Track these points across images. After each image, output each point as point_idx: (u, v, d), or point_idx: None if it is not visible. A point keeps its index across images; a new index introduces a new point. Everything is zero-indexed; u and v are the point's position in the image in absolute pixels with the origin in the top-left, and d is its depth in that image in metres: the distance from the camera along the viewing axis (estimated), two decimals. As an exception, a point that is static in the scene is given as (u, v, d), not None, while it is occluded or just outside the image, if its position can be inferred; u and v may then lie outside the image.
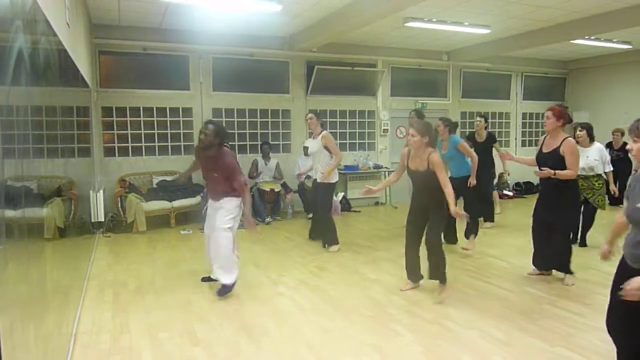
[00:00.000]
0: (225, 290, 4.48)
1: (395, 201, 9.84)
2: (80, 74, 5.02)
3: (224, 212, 4.52)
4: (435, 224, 4.36)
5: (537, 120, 12.24)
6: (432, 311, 4.03)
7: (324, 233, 6.25)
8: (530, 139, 12.18)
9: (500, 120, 11.72)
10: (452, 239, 6.21)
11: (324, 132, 6.03)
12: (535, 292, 4.49)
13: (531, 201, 10.16)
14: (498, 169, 7.80)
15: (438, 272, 4.33)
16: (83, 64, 5.58)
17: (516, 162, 5.27)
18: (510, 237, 6.79)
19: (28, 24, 2.28)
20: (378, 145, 10.25)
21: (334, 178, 6.12)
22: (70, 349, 3.33)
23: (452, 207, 4.09)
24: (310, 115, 6.12)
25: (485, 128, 7.42)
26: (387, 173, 9.88)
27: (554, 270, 4.88)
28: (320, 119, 6.19)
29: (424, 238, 4.43)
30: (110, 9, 6.86)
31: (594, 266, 5.08)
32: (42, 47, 2.70)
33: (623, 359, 2.61)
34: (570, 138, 4.48)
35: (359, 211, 9.22)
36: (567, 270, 4.68)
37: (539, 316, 3.89)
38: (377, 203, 10.06)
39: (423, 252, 4.45)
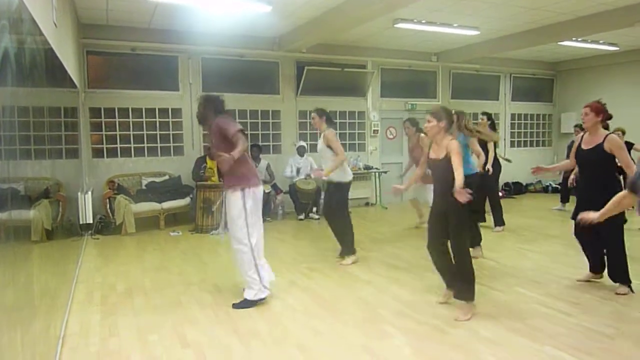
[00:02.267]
0: (241, 305, 4.16)
1: (385, 202, 9.87)
2: (67, 75, 4.97)
3: (234, 218, 4.14)
4: (456, 231, 3.86)
5: (526, 121, 12.35)
6: (423, 312, 4.04)
7: (341, 239, 5.71)
8: (519, 139, 12.28)
9: (492, 116, 11.77)
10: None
11: (325, 131, 5.57)
12: (524, 292, 4.51)
13: (520, 201, 10.36)
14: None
15: (466, 291, 3.88)
16: (71, 64, 5.53)
17: (551, 172, 4.93)
18: (501, 237, 6.83)
19: (14, 24, 2.25)
20: (368, 146, 10.27)
21: (346, 177, 5.60)
22: (58, 352, 3.29)
23: (457, 183, 3.63)
24: (312, 114, 5.71)
25: (491, 125, 7.28)
26: (377, 174, 9.91)
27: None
28: (326, 116, 5.65)
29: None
30: (99, 9, 6.80)
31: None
32: (28, 47, 2.66)
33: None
34: (612, 134, 4.35)
35: (350, 212, 9.18)
36: (625, 280, 4.39)
37: (528, 315, 3.91)
38: (367, 204, 10.08)
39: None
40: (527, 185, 11.87)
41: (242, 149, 3.97)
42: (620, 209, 2.73)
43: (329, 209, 5.76)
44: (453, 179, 3.69)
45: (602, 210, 2.70)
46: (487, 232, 7.07)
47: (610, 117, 4.46)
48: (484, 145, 7.03)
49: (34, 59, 2.85)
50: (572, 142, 8.89)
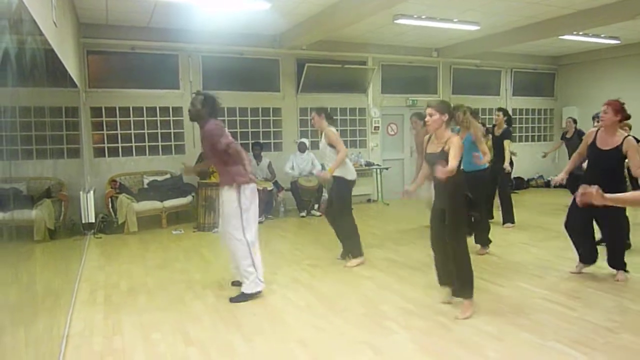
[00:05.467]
0: (238, 299, 4.24)
1: (387, 198, 9.86)
2: (68, 74, 4.97)
3: (229, 216, 4.20)
4: (451, 228, 3.80)
5: (527, 116, 12.33)
6: (426, 308, 4.04)
7: (343, 240, 5.60)
8: (520, 134, 12.24)
9: (491, 116, 11.73)
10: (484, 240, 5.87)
11: (326, 129, 5.48)
12: (527, 287, 4.52)
13: (522, 196, 10.34)
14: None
15: (463, 289, 3.87)
16: (71, 64, 5.53)
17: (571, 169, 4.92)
18: (503, 233, 6.83)
19: (14, 24, 2.25)
20: (369, 143, 10.26)
21: (349, 175, 5.46)
22: (62, 352, 3.30)
23: (447, 167, 3.58)
24: (312, 114, 5.64)
25: (506, 122, 7.20)
26: (378, 170, 9.90)
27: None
28: (326, 114, 5.57)
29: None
30: (98, 8, 6.80)
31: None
32: (28, 47, 2.66)
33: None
34: (630, 136, 4.36)
35: (351, 208, 9.19)
36: (623, 266, 4.56)
37: (531, 310, 3.91)
38: (369, 200, 10.07)
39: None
40: (529, 180, 11.85)
41: (242, 159, 4.15)
42: (634, 204, 2.59)
43: (330, 208, 5.61)
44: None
45: (616, 195, 2.47)
46: (494, 227, 7.06)
47: (628, 117, 4.42)
48: (500, 144, 7.03)
49: (35, 59, 2.85)
50: (565, 133, 8.90)
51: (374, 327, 3.69)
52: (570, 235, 4.77)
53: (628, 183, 6.06)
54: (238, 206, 4.18)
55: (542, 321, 3.69)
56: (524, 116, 12.27)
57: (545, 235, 6.56)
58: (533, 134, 12.47)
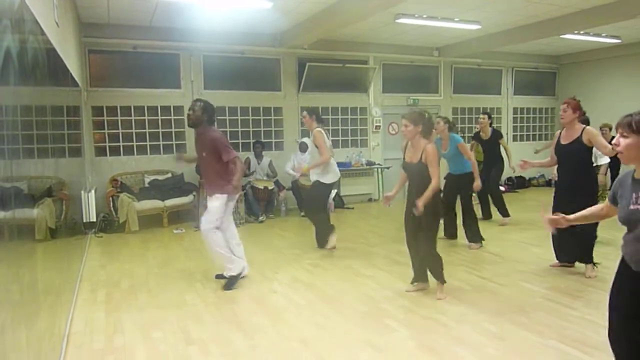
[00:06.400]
0: (230, 283, 4.55)
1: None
2: (69, 73, 4.98)
3: (209, 214, 4.54)
4: (425, 231, 4.14)
5: (528, 115, 12.31)
6: (426, 306, 4.05)
7: (318, 231, 5.94)
8: (521, 133, 12.24)
9: (492, 116, 11.75)
10: (452, 234, 6.29)
11: (315, 130, 5.66)
12: (528, 286, 4.52)
13: (523, 195, 10.34)
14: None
15: (435, 274, 4.27)
16: (72, 63, 5.53)
17: (536, 167, 5.30)
18: (504, 231, 6.84)
19: (16, 23, 2.25)
20: (370, 142, 10.26)
21: (327, 178, 5.69)
22: (63, 350, 3.31)
23: (422, 199, 3.90)
24: (304, 113, 5.89)
25: (490, 125, 7.42)
26: (379, 170, 9.90)
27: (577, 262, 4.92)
28: (316, 114, 5.83)
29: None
30: (100, 8, 6.81)
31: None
32: (30, 46, 2.67)
33: None
34: (588, 126, 4.63)
35: (352, 208, 9.22)
36: (590, 261, 4.71)
37: (532, 309, 3.92)
38: (370, 199, 10.08)
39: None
40: (530, 179, 11.85)
41: (239, 176, 4.55)
42: (596, 219, 2.69)
43: (306, 203, 6.12)
44: (428, 182, 3.98)
45: (576, 215, 2.65)
46: (491, 225, 7.09)
47: (583, 114, 4.75)
48: (493, 146, 7.20)
49: (36, 58, 2.86)
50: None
51: (374, 325, 3.69)
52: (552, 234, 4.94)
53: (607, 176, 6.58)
54: (221, 208, 4.54)
55: (542, 320, 3.70)
56: (525, 115, 12.25)
57: (546, 234, 6.49)
58: (534, 132, 12.45)
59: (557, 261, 5.01)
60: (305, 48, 9.00)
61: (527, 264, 5.23)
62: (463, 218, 6.10)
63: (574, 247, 4.76)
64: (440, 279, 4.25)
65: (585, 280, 4.60)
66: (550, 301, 4.10)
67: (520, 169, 5.13)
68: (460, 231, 6.20)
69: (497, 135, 7.39)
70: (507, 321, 3.69)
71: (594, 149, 4.66)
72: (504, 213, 7.36)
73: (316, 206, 5.90)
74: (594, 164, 5.88)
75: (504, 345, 3.30)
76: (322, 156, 5.57)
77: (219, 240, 4.54)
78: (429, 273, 4.37)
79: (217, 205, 4.55)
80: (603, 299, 4.06)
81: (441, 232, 6.40)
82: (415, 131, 4.07)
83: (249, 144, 8.82)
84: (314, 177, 5.79)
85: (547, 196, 10.11)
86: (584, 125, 4.63)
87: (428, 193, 3.94)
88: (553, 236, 4.80)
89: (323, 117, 9.49)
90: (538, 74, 12.24)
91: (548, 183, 11.80)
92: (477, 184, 5.82)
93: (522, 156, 5.52)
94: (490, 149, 7.34)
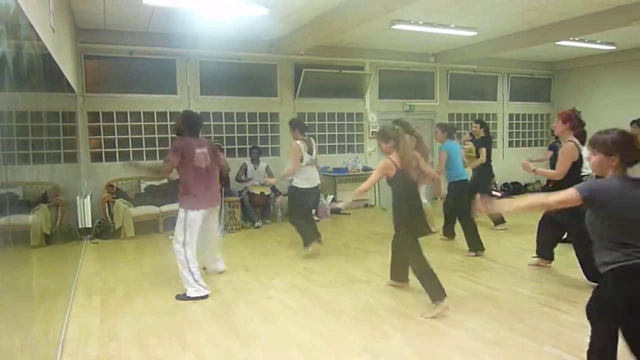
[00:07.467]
0: (183, 297, 4.51)
1: (384, 203, 9.86)
2: (65, 79, 4.97)
3: (177, 222, 4.69)
4: (406, 255, 4.30)
5: (524, 121, 12.36)
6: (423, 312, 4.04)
7: (301, 235, 6.06)
8: (517, 139, 12.28)
9: (487, 122, 11.77)
10: (450, 234, 6.47)
11: (293, 142, 5.97)
12: (524, 292, 4.52)
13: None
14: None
15: (428, 292, 4.05)
16: (68, 69, 5.53)
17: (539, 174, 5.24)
18: (499, 237, 6.84)
19: (11, 28, 2.25)
20: (367, 148, 10.27)
21: (300, 183, 5.91)
22: (58, 357, 3.29)
23: (358, 189, 4.27)
24: (289, 126, 6.18)
25: (487, 132, 7.51)
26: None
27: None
28: (299, 127, 6.03)
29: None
30: (96, 13, 6.80)
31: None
32: (26, 52, 2.67)
33: None
34: (570, 142, 4.54)
35: (349, 213, 9.22)
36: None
37: (528, 315, 3.92)
38: (366, 205, 10.08)
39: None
40: (526, 185, 11.87)
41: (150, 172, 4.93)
42: (531, 210, 2.69)
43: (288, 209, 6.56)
44: (398, 194, 4.22)
45: (516, 203, 2.57)
46: (487, 231, 7.08)
47: (578, 123, 4.66)
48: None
49: (32, 64, 2.85)
50: (555, 143, 9.00)
51: (371, 331, 3.69)
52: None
53: None
54: (180, 225, 4.66)
55: (539, 326, 3.70)
56: (520, 121, 12.30)
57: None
58: (530, 139, 12.50)
59: (537, 258, 5.26)
60: (301, 54, 9.02)
61: (523, 269, 5.24)
62: (461, 227, 6.13)
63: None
64: (432, 299, 3.99)
65: (581, 286, 4.60)
66: (546, 307, 4.10)
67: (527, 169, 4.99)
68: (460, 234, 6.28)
69: (478, 143, 7.41)
70: (503, 327, 3.69)
71: (584, 158, 4.62)
72: (501, 219, 7.27)
73: (292, 211, 6.24)
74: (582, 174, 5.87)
75: (501, 351, 3.30)
76: (288, 168, 5.96)
77: (182, 260, 4.57)
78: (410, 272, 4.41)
79: (178, 219, 4.64)
80: (599, 304, 4.08)
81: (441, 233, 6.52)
82: (389, 147, 4.18)
83: (246, 150, 8.81)
84: (292, 182, 6.08)
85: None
86: (569, 140, 4.57)
87: (362, 188, 4.27)
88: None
89: (319, 122, 9.64)
90: (533, 80, 12.30)
91: (544, 189, 11.83)
92: (439, 194, 5.96)
93: (517, 163, 5.57)
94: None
